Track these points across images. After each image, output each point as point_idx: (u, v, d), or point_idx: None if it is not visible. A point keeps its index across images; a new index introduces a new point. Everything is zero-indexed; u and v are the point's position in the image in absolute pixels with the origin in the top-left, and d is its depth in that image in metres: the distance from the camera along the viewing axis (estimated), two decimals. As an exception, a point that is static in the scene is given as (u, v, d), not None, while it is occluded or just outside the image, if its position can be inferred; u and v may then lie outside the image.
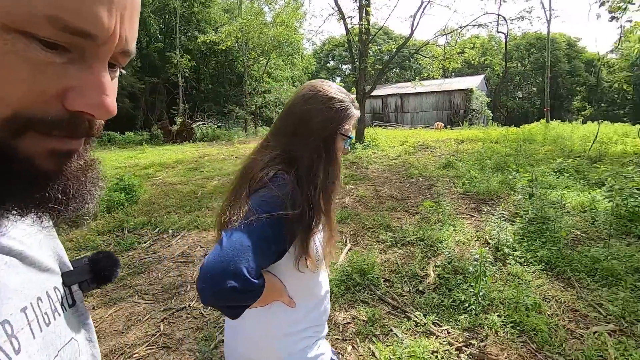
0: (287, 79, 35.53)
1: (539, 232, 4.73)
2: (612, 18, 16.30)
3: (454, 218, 5.65)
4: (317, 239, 1.11)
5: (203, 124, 25.35)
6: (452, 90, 34.96)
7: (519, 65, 49.70)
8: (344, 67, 58.16)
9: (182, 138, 22.49)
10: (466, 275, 3.72)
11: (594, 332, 2.86)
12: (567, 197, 6.67)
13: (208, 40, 22.49)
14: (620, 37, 18.78)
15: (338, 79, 57.39)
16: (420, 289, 3.71)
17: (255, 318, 1.10)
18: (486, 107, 37.22)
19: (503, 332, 2.89)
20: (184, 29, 30.88)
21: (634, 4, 12.94)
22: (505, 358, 2.60)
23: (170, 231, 5.62)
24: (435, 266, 4.11)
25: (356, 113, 1.13)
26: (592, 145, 11.92)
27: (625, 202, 5.44)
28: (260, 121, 32.24)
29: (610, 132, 16.04)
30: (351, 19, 14.61)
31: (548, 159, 10.19)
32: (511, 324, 2.97)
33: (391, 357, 2.65)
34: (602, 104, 47.86)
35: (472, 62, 22.14)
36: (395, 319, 3.19)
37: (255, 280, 0.86)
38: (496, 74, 49.86)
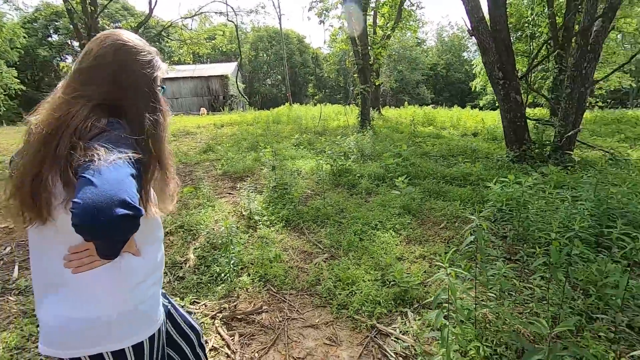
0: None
1: (281, 196, 5.65)
2: (320, 22, 20.81)
3: (213, 199, 5.88)
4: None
5: None
6: (210, 76, 35.39)
7: (264, 55, 55.95)
8: (76, 43, 47.25)
9: None
10: (220, 249, 4.00)
11: (315, 263, 3.76)
12: (302, 165, 8.31)
13: None
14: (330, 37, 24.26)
15: (69, 59, 46.23)
16: (181, 274, 3.69)
17: (105, 275, 1.10)
18: (243, 93, 40.00)
19: (252, 288, 3.33)
20: None
21: (329, 12, 16.81)
22: (253, 306, 3.02)
23: None
24: (195, 249, 4.18)
25: (163, 64, 1.21)
26: (318, 123, 15.24)
27: (336, 162, 7.32)
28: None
29: (330, 112, 20.86)
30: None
31: (290, 136, 12.11)
32: (258, 278, 3.46)
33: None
34: (326, 90, 61.46)
35: (223, 49, 23.16)
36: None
37: (141, 207, 0.88)
38: (245, 61, 54.49)
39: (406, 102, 26.89)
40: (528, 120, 7.62)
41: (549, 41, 13.11)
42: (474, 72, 30.91)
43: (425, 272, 3.45)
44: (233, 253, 3.65)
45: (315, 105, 32.33)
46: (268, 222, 4.84)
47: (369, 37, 14.24)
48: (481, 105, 35.31)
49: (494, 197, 4.68)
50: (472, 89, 31.71)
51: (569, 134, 6.54)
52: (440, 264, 1.99)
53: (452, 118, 18.41)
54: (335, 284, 3.28)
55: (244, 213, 5.23)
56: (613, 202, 3.77)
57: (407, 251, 3.94)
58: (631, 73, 33.66)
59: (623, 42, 29.12)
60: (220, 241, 4.20)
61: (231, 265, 3.55)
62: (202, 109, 29.92)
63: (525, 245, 3.80)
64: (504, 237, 4.14)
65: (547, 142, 7.06)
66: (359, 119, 13.84)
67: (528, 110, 18.16)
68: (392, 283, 3.15)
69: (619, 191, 4.21)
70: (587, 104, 23.90)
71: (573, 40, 10.13)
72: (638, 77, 37.30)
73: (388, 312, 2.90)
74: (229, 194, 6.39)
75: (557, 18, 13.89)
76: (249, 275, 3.50)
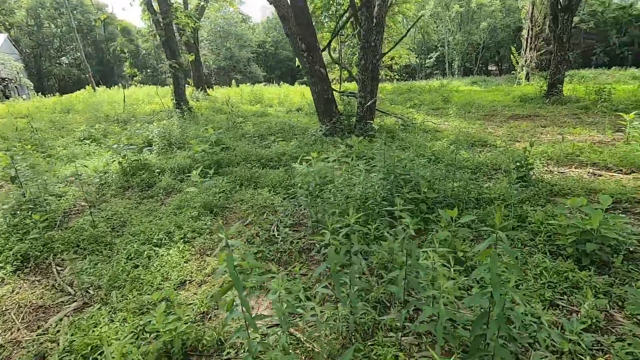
0: None
1: (22, 221, 3.88)
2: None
3: None
4: None
5: None
6: (-43, 53, 25.29)
7: (51, 26, 44.00)
8: None
9: None
10: None
11: (51, 325, 2.48)
12: (87, 164, 6.35)
13: None
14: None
15: None
16: None
17: None
18: (22, 75, 30.54)
19: None
20: None
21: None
22: None
23: None
24: None
25: None
26: (124, 109, 12.57)
27: (126, 158, 5.75)
28: None
29: (145, 95, 17.82)
30: None
31: (80, 128, 9.39)
32: None
33: None
34: (147, 70, 53.65)
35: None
36: None
37: None
38: (24, 34, 41.56)
39: (233, 81, 25.69)
40: (336, 93, 7.77)
41: (351, 19, 14.14)
42: (297, 49, 32.01)
43: (212, 296, 2.67)
44: None
45: (136, 86, 27.48)
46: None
47: (171, 6, 12.25)
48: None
49: (300, 178, 4.28)
50: (297, 65, 32.94)
51: (368, 104, 6.87)
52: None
53: (280, 95, 18.44)
54: (66, 358, 2.13)
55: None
56: (399, 169, 3.82)
57: (199, 267, 3.08)
58: (415, 51, 41.77)
59: (407, 24, 35.09)
60: None
61: None
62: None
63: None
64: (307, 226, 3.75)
65: (353, 114, 7.33)
66: (174, 100, 12.01)
67: (346, 85, 19.89)
68: (155, 334, 2.23)
69: (406, 156, 4.42)
70: (389, 78, 28.08)
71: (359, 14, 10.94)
72: (420, 54, 46.64)
73: (147, 382, 1.99)
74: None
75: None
76: None
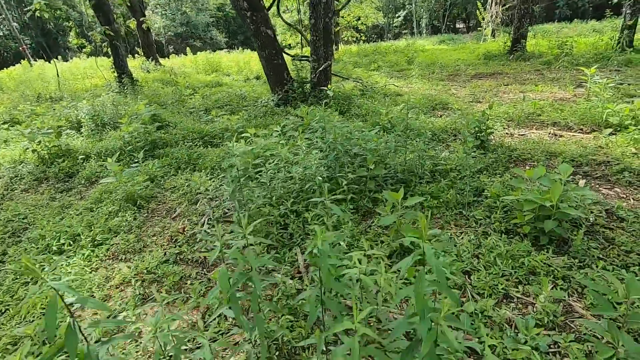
0: None
1: None
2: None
3: None
4: None
5: None
6: None
7: (-24, -8, 38.82)
8: None
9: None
10: None
11: None
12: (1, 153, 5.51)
13: None
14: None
15: None
16: None
17: None
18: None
19: None
20: None
21: None
22: None
23: None
24: None
25: None
26: (58, 85, 11.23)
27: (43, 144, 4.97)
28: None
29: (88, 68, 16.16)
30: None
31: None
32: None
33: None
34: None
35: None
36: None
37: None
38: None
39: (189, 49, 23.76)
40: (288, 59, 7.07)
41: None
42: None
43: (113, 314, 2.20)
44: None
45: (88, 57, 25.00)
46: None
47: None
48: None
49: (237, 160, 3.75)
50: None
51: (321, 68, 6.26)
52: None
53: (240, 62, 17.23)
54: None
55: None
56: (346, 142, 3.36)
57: (105, 278, 2.58)
58: (383, 10, 40.18)
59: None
60: None
61: None
62: None
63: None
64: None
65: (307, 80, 6.71)
66: (114, 73, 10.82)
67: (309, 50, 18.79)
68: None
69: (356, 126, 3.95)
70: (355, 39, 26.88)
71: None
72: (388, 14, 45.09)
73: None
74: None
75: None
76: None
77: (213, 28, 48.92)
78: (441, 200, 3.02)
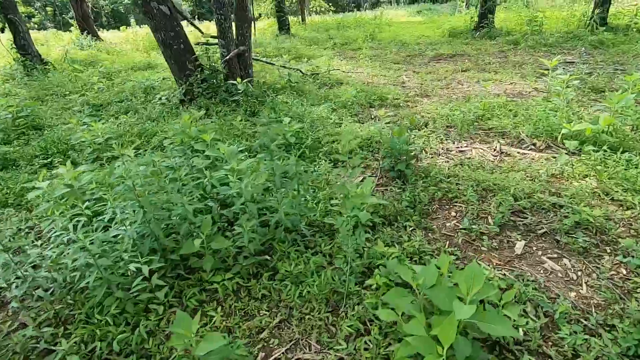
0: None
1: None
2: None
3: None
4: None
5: None
6: None
7: None
8: None
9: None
10: None
11: None
12: None
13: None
14: None
15: None
16: None
17: None
18: None
19: None
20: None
21: None
22: None
23: None
24: None
25: None
26: None
27: None
28: None
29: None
30: None
31: None
32: None
33: None
34: (54, 10, 44.43)
35: None
36: None
37: None
38: None
39: (133, 21, 21.28)
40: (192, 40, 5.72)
41: None
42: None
43: None
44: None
45: None
46: None
47: None
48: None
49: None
50: None
51: (229, 55, 4.99)
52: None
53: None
54: None
55: None
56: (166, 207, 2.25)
57: None
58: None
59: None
60: None
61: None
62: None
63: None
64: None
65: (218, 70, 5.42)
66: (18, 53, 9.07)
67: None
68: None
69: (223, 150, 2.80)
70: (323, 10, 24.89)
71: None
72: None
73: None
74: None
75: None
76: None
77: (174, -5, 45.01)
78: (307, 291, 1.98)
